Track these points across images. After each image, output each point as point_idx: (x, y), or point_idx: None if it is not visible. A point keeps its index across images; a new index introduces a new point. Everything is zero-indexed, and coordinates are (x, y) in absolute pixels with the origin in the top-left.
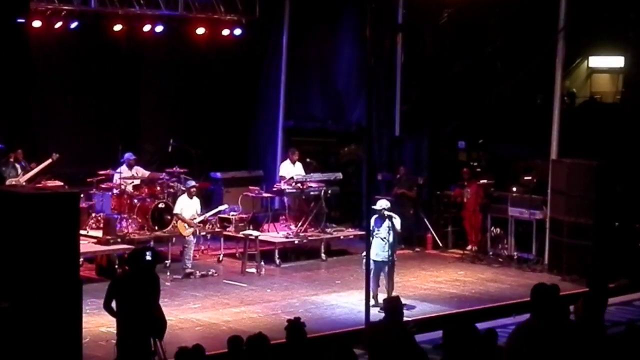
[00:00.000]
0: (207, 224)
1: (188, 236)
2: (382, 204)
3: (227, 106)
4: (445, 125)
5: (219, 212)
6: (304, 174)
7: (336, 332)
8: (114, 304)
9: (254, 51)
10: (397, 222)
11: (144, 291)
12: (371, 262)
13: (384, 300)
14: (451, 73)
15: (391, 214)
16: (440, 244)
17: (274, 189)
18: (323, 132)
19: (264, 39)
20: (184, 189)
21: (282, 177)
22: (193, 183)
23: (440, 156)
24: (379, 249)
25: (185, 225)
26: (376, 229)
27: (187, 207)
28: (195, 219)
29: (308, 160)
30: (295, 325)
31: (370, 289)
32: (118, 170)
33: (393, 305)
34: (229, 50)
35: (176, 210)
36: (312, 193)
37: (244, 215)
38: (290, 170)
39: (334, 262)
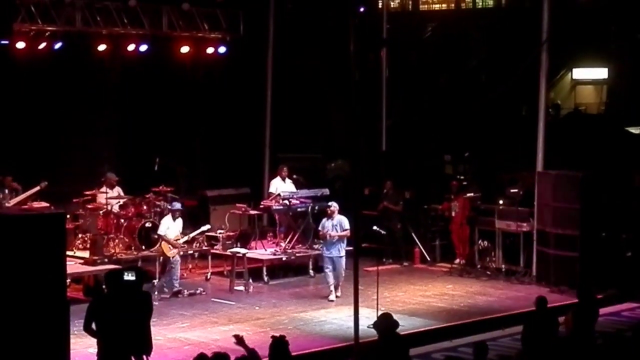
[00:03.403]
0: (194, 242)
1: (173, 257)
2: (331, 203)
3: (213, 124)
4: (431, 138)
5: (203, 232)
6: (295, 190)
7: (325, 348)
8: (94, 325)
9: (239, 69)
10: (345, 221)
11: (124, 311)
12: (327, 259)
13: (379, 317)
14: (436, 86)
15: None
16: (428, 258)
17: (261, 206)
18: (309, 148)
19: (249, 57)
20: (170, 207)
21: (271, 194)
22: (178, 206)
23: (426, 170)
24: (330, 246)
25: (170, 246)
26: (325, 227)
27: (172, 228)
28: (179, 239)
29: (295, 176)
30: (279, 343)
31: (328, 283)
32: (101, 189)
33: (386, 323)
34: (213, 68)
35: (161, 231)
36: (299, 209)
37: (231, 233)
38: (281, 187)
39: (322, 278)
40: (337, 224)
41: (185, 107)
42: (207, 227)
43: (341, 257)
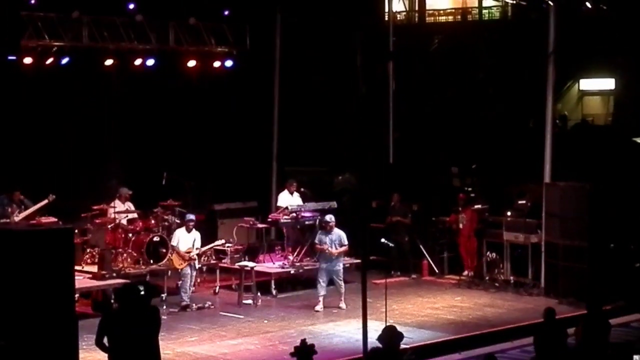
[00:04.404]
0: (202, 256)
1: (181, 270)
2: (329, 218)
3: (220, 137)
4: (438, 151)
5: (215, 246)
6: (302, 204)
7: None
8: (105, 340)
9: (246, 82)
10: (344, 236)
11: (134, 326)
12: (323, 271)
13: (383, 329)
14: (443, 99)
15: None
16: (437, 270)
17: (269, 220)
18: (317, 161)
19: (256, 70)
20: (178, 221)
21: (279, 208)
22: (192, 217)
23: (434, 182)
24: (327, 259)
25: (180, 258)
26: (323, 242)
27: (184, 240)
28: (190, 252)
29: (302, 189)
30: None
31: (320, 294)
32: (112, 204)
33: (389, 334)
34: (220, 82)
35: (173, 242)
36: (307, 223)
37: (239, 247)
38: (289, 201)
39: (330, 291)
40: (336, 239)
41: (192, 121)
42: (221, 241)
43: (340, 269)
